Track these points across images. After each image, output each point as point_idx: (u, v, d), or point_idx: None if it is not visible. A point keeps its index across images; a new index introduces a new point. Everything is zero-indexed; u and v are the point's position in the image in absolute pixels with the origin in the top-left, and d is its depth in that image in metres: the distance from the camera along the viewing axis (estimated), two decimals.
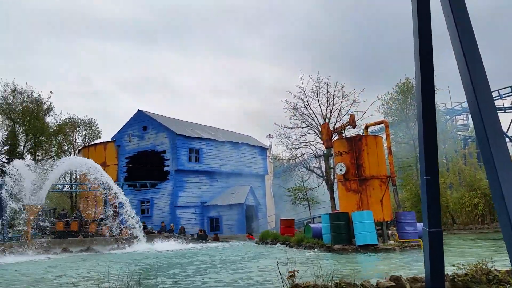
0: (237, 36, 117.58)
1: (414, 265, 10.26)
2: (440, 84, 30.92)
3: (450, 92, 41.05)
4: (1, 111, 42.76)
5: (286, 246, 18.20)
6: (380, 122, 20.98)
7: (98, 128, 53.12)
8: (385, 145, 19.32)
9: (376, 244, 14.58)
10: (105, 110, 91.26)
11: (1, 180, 23.96)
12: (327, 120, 26.11)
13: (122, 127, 36.82)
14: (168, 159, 33.77)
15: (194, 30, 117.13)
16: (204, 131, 38.24)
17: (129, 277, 4.07)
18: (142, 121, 35.99)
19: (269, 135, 53.32)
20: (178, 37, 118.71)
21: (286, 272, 4.88)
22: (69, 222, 26.08)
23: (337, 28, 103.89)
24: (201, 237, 29.60)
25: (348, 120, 19.31)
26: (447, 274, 5.62)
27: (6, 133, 43.20)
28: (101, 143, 39.28)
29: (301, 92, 27.45)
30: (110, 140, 37.58)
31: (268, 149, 45.55)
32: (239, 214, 33.68)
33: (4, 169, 27.27)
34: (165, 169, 33.89)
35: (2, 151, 43.17)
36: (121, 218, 25.79)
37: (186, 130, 35.65)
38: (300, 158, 28.74)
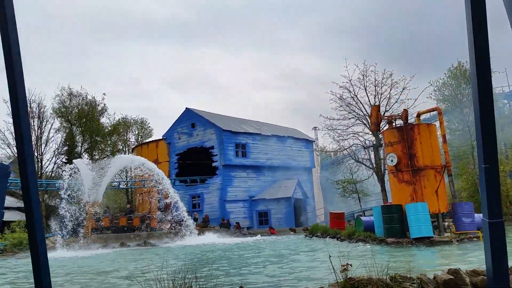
0: (277, 28, 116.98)
1: (473, 258, 9.79)
2: (496, 66, 29.05)
3: (507, 74, 38.38)
4: (60, 114, 45.51)
5: (337, 239, 18.00)
6: (433, 109, 20.11)
7: (149, 127, 55.18)
8: (438, 133, 18.47)
9: (432, 237, 14.06)
10: (154, 109, 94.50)
11: (64, 180, 25.56)
12: None
13: (172, 125, 37.98)
14: (216, 155, 34.44)
15: (233, 25, 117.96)
16: (249, 126, 38.56)
17: (184, 269, 4.23)
18: (190, 118, 36.93)
19: (314, 127, 52.80)
20: (218, 33, 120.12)
21: (338, 266, 4.85)
22: (132, 218, 27.34)
23: (382, 13, 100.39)
24: (224, 226, 30.05)
25: (399, 114, 18.64)
26: (511, 266, 5.33)
27: (64, 135, 45.95)
28: (153, 141, 40.79)
29: (347, 82, 26.86)
30: (161, 138, 38.91)
31: (314, 141, 45.13)
32: (287, 207, 33.74)
33: (64, 168, 29.13)
34: (213, 164, 34.62)
35: (62, 152, 45.97)
36: (174, 213, 26.69)
37: (232, 126, 36.14)
38: (348, 149, 28.18)
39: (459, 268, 5.60)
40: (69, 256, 18.12)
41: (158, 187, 27.26)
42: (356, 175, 31.56)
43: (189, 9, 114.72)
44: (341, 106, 27.15)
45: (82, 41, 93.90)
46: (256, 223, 34.06)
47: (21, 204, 36.79)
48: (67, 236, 23.49)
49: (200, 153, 35.74)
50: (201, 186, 35.00)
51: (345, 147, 28.07)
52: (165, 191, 26.71)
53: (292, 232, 29.18)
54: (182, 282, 3.77)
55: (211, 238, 24.52)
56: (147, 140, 47.54)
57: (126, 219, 26.96)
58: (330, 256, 4.83)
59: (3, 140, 41.56)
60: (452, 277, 5.44)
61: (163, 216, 27.29)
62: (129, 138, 53.73)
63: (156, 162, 32.98)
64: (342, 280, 4.61)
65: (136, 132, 54.50)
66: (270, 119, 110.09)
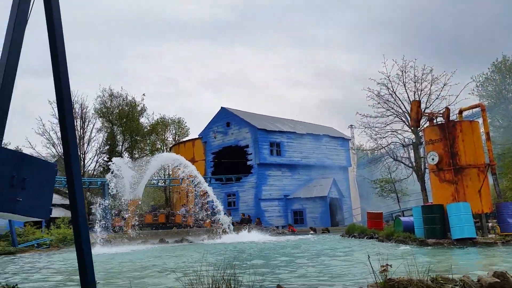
0: (312, 25, 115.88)
1: None
2: None
3: None
4: (101, 114, 47.26)
5: (375, 240, 17.65)
6: (476, 106, 19.26)
7: (186, 126, 56.29)
8: (482, 130, 17.71)
9: (475, 238, 13.50)
10: (191, 109, 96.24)
11: (107, 178, 26.54)
12: None
13: (207, 124, 38.55)
14: (251, 153, 34.63)
15: (268, 23, 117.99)
16: (284, 125, 38.48)
17: (222, 265, 4.30)
18: (225, 117, 37.34)
19: (351, 125, 51.96)
20: (253, 32, 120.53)
21: (377, 267, 4.76)
22: (174, 215, 28.01)
23: (421, 6, 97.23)
24: (244, 221, 30.04)
25: (441, 112, 18.00)
26: None
27: (106, 134, 47.67)
28: (189, 140, 41.60)
29: (385, 78, 26.22)
30: (197, 137, 39.58)
31: (350, 140, 44.43)
32: (323, 206, 33.42)
33: (107, 167, 30.25)
34: (248, 163, 34.83)
35: (103, 151, 47.71)
36: (211, 210, 27.09)
37: (266, 125, 36.20)
38: (386, 148, 27.52)
39: (506, 271, 5.35)
40: (110, 252, 18.79)
41: (195, 185, 27.75)
42: (395, 174, 30.77)
43: (225, 9, 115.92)
44: (378, 103, 26.56)
45: (122, 42, 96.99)
46: (291, 221, 33.97)
47: (65, 201, 38.53)
48: (108, 233, 24.36)
49: (235, 152, 36.07)
50: (236, 185, 35.31)
51: (383, 145, 27.43)
52: (202, 190, 27.15)
53: (312, 231, 29.04)
54: (220, 278, 3.83)
55: (248, 236, 24.69)
56: (184, 139, 48.50)
57: (165, 216, 27.66)
58: (369, 257, 4.76)
59: (48, 140, 43.62)
60: (498, 280, 5.20)
61: (200, 214, 27.76)
62: (167, 137, 55.03)
63: (192, 160, 33.58)
64: (381, 281, 4.52)
65: (174, 131, 55.74)
66: (305, 117, 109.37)
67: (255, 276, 4.17)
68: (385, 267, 4.53)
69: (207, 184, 28.05)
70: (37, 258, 17.93)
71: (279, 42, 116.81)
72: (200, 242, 23.32)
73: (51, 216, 4.84)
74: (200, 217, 27.52)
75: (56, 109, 43.80)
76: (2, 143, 4.50)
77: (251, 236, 24.88)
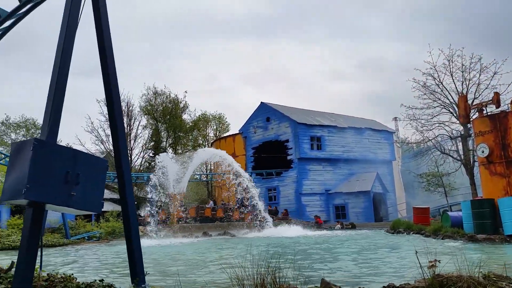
0: (355, 16, 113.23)
1: None
2: None
3: None
4: (146, 112, 48.88)
5: (421, 235, 17.13)
6: None
7: (226, 121, 57.10)
8: None
9: None
10: (231, 104, 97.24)
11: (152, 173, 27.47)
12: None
13: (248, 119, 38.81)
14: (291, 148, 34.53)
15: (310, 16, 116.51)
16: (324, 118, 38.00)
17: (265, 258, 4.35)
18: (265, 112, 37.43)
19: (395, 117, 50.54)
20: (295, 25, 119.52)
21: (424, 262, 4.64)
22: (215, 209, 28.60)
23: None
24: (271, 212, 29.82)
25: (491, 99, 17.11)
26: None
27: (151, 131, 49.27)
28: (230, 135, 42.10)
29: (431, 68, 25.25)
30: (237, 132, 39.99)
31: (394, 133, 43.18)
32: (366, 201, 32.77)
33: (152, 162, 31.27)
34: (288, 157, 34.77)
35: (149, 147, 49.35)
36: (251, 204, 27.34)
37: (307, 119, 35.92)
38: (432, 140, 26.52)
39: None
40: (156, 243, 19.45)
41: (237, 180, 28.09)
42: (442, 168, 29.59)
43: (265, 3, 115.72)
44: (424, 94, 25.65)
45: (165, 41, 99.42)
46: (333, 216, 33.60)
47: (113, 195, 40.24)
48: (155, 225, 25.21)
49: (275, 147, 36.11)
50: (277, 179, 35.36)
51: (430, 138, 26.46)
52: (243, 184, 27.45)
53: (338, 225, 28.73)
54: (265, 270, 3.89)
55: (288, 230, 24.72)
56: (224, 135, 49.18)
57: (210, 210, 28.27)
58: (416, 252, 4.64)
59: (97, 137, 45.72)
60: None
61: (242, 208, 28.10)
62: (208, 133, 56.08)
63: (233, 155, 33.95)
64: (429, 276, 4.40)
65: (215, 127, 56.71)
66: (347, 110, 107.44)
67: (299, 270, 4.19)
68: (433, 263, 4.40)
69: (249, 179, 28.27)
70: (89, 250, 18.89)
71: (320, 34, 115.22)
72: (242, 235, 23.61)
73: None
74: (241, 211, 27.85)
75: (104, 108, 45.81)
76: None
77: (291, 230, 24.89)
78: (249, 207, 27.47)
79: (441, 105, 25.14)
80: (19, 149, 4.23)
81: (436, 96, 25.29)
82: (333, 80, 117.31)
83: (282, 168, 35.41)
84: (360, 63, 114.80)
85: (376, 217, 32.94)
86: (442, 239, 15.05)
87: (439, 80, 25.10)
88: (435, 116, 25.54)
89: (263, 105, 38.01)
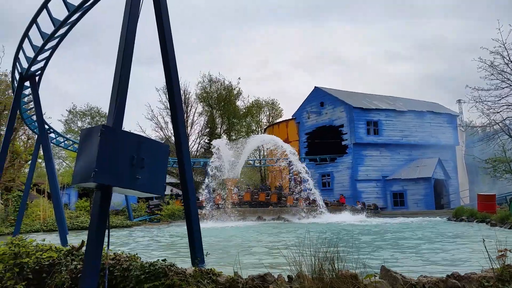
0: None
1: None
2: None
3: None
4: (202, 99, 50.09)
5: (486, 224, 16.18)
6: None
7: (279, 107, 57.06)
8: None
9: None
10: (284, 90, 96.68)
11: (208, 159, 28.22)
12: None
13: (301, 104, 38.43)
14: (346, 133, 33.78)
15: None
16: (382, 102, 36.67)
17: (323, 244, 4.33)
18: (319, 97, 36.83)
19: (459, 100, 47.60)
20: (347, 7, 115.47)
21: (493, 252, 4.37)
22: (269, 194, 28.94)
23: None
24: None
25: None
26: None
27: (206, 118, 50.50)
28: (283, 121, 41.99)
29: (500, 46, 23.31)
30: (291, 118, 39.78)
31: (458, 116, 40.74)
32: (427, 188, 31.40)
33: (208, 148, 32.09)
34: (343, 143, 34.08)
35: (205, 133, 50.67)
36: (305, 190, 27.26)
37: (362, 103, 34.86)
38: (500, 124, 24.69)
39: None
40: (213, 226, 20.06)
41: (291, 165, 28.10)
42: (510, 153, 27.54)
43: None
44: (492, 74, 23.78)
45: (218, 28, 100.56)
46: (390, 204, 32.62)
47: (171, 179, 41.88)
48: (211, 209, 25.98)
49: (329, 132, 35.51)
50: (331, 165, 34.85)
51: (497, 121, 24.66)
52: (297, 170, 27.39)
53: (360, 205, 28.20)
54: (324, 256, 3.87)
55: (343, 216, 24.41)
56: (277, 120, 49.18)
57: (265, 195, 28.61)
58: (484, 240, 4.38)
59: (156, 124, 47.72)
60: None
61: (295, 194, 28.11)
62: (261, 119, 56.40)
63: (286, 141, 33.92)
64: (499, 267, 4.14)
65: (268, 113, 56.88)
66: (405, 93, 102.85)
67: (358, 256, 4.12)
68: (503, 252, 4.14)
69: (303, 164, 28.15)
70: (150, 231, 19.89)
71: (375, 14, 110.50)
72: (296, 221, 23.67)
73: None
74: (295, 197, 27.88)
75: (162, 96, 47.52)
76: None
77: (345, 216, 24.53)
78: (303, 193, 27.40)
79: (510, 85, 23.26)
80: (88, 135, 4.50)
81: (505, 76, 23.41)
82: (388, 62, 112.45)
83: (336, 153, 34.80)
84: (418, 43, 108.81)
85: (437, 204, 31.49)
86: (510, 228, 14.13)
87: (509, 59, 23.18)
88: (503, 97, 23.69)
89: (316, 90, 37.41)
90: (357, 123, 33.16)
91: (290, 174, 30.35)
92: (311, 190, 26.39)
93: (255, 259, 7.74)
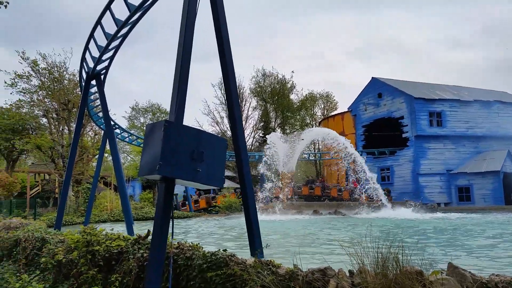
0: None
1: None
2: None
3: None
4: (256, 94, 50.45)
5: None
6: None
7: (334, 100, 56.00)
8: None
9: None
10: (339, 81, 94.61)
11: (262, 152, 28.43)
12: None
13: (357, 96, 37.42)
14: (407, 125, 32.41)
15: None
16: (445, 92, 34.72)
17: (386, 239, 4.20)
18: (376, 88, 35.62)
19: None
20: None
21: None
22: (313, 187, 28.71)
23: None
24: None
25: None
26: None
27: (260, 112, 50.83)
28: (338, 114, 41.17)
29: None
30: (346, 110, 38.90)
31: None
32: (495, 183, 29.37)
33: (262, 142, 32.32)
34: (403, 135, 32.74)
35: (259, 127, 51.05)
36: (362, 184, 26.56)
37: (424, 93, 33.23)
38: None
39: None
40: (270, 219, 20.20)
41: (348, 160, 27.49)
42: None
43: None
44: None
45: (270, 21, 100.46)
46: (455, 199, 30.90)
47: (228, 173, 42.69)
48: (267, 202, 26.20)
49: (388, 124, 34.27)
50: (391, 158, 33.65)
51: None
52: (354, 164, 26.76)
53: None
54: (387, 251, 3.75)
55: (405, 212, 23.47)
56: (332, 113, 48.31)
57: (320, 188, 28.38)
58: None
59: (213, 119, 48.84)
60: None
61: (353, 188, 27.53)
62: (316, 112, 55.74)
63: (342, 134, 33.21)
64: None
65: (322, 106, 56.06)
66: (470, 82, 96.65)
67: (422, 252, 3.95)
68: None
69: (361, 158, 27.43)
70: (209, 222, 20.47)
71: None
72: (353, 215, 23.18)
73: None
74: (352, 191, 27.30)
75: (218, 92, 48.52)
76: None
77: (407, 212, 23.57)
78: (361, 187, 26.74)
79: None
80: (152, 130, 4.71)
81: None
82: (451, 49, 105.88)
83: (396, 146, 33.53)
84: (485, 28, 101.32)
85: (507, 199, 29.36)
86: None
87: None
88: None
89: (374, 81, 36.20)
90: (418, 114, 31.68)
91: (347, 168, 29.73)
92: (370, 184, 25.66)
93: (314, 253, 7.69)
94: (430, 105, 32.05)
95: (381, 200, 24.86)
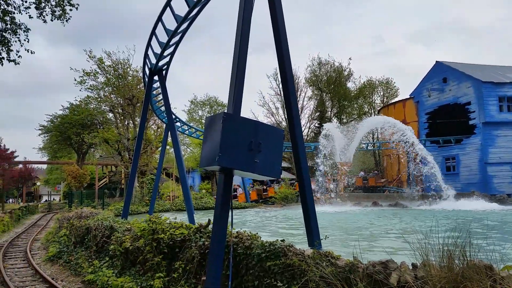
0: None
1: None
2: None
3: None
4: (311, 83, 49.77)
5: None
6: None
7: (395, 86, 53.72)
8: None
9: None
10: (399, 67, 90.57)
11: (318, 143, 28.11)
12: None
13: (420, 82, 35.58)
14: (474, 111, 30.36)
15: None
16: None
17: (454, 233, 4.01)
18: (441, 72, 33.63)
19: None
20: None
21: None
22: (367, 179, 27.92)
23: None
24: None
25: None
26: None
27: (316, 102, 50.12)
28: (399, 101, 39.43)
29: None
30: (408, 97, 37.19)
31: None
32: None
33: (318, 132, 31.92)
34: (470, 122, 30.72)
35: (315, 117, 50.41)
36: (425, 175, 25.41)
37: (493, 76, 30.86)
38: None
39: None
40: (328, 210, 20.01)
41: (409, 149, 26.42)
42: None
43: None
44: None
45: (325, 7, 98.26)
46: None
47: (284, 164, 42.71)
48: (324, 193, 25.95)
49: (453, 111, 32.28)
50: (456, 147, 31.75)
51: None
52: (416, 153, 25.64)
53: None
54: (453, 244, 3.59)
55: (469, 204, 22.15)
56: (393, 101, 46.40)
57: (375, 179, 27.60)
58: None
59: (268, 110, 48.99)
60: None
61: (414, 179, 26.43)
62: (375, 100, 53.85)
63: (403, 122, 31.84)
64: None
65: (381, 93, 54.02)
66: None
67: (493, 246, 3.73)
68: None
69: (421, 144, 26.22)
70: (266, 212, 20.70)
71: None
72: (416, 207, 22.29)
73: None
74: (410, 182, 26.22)
75: (273, 82, 48.53)
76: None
77: (474, 203, 22.20)
78: (423, 178, 25.61)
79: None
80: (212, 122, 4.85)
81: None
82: None
83: (462, 134, 31.56)
84: None
85: None
86: None
87: None
88: None
89: (438, 65, 34.20)
90: (487, 99, 29.54)
91: (408, 157, 28.56)
92: (433, 175, 24.49)
93: (377, 245, 7.53)
94: (500, 89, 29.73)
95: (445, 191, 23.66)
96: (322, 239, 5.89)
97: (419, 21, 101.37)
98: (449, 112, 32.61)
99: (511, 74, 31.91)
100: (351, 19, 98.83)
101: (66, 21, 10.85)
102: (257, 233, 5.81)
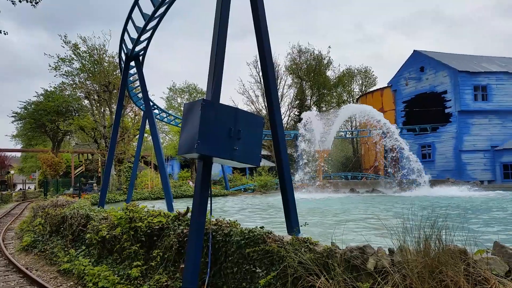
0: None
1: None
2: None
3: None
4: (291, 71, 49.74)
5: None
6: None
7: (373, 75, 54.31)
8: None
9: None
10: (378, 55, 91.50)
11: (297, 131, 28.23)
12: None
13: (398, 71, 36.08)
14: (450, 100, 31.04)
15: None
16: (492, 64, 32.82)
17: (428, 218, 4.08)
18: (418, 61, 34.15)
19: None
20: None
21: None
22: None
23: None
24: None
25: None
26: None
27: (296, 90, 50.19)
28: (377, 89, 39.94)
29: None
30: (386, 85, 37.68)
31: None
32: None
33: (298, 120, 32.02)
34: (446, 111, 31.42)
35: (294, 105, 50.55)
36: (401, 163, 25.91)
37: (469, 65, 31.55)
38: None
39: None
40: (306, 197, 20.20)
41: (385, 136, 26.84)
42: None
43: None
44: None
45: None
46: (500, 176, 29.56)
47: (263, 152, 42.79)
48: (302, 180, 26.14)
49: (430, 99, 32.94)
50: (432, 135, 32.48)
51: None
52: (392, 141, 26.08)
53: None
54: (429, 229, 3.65)
55: (443, 190, 22.78)
56: (371, 89, 46.94)
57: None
58: None
59: (248, 98, 48.83)
60: None
61: (391, 166, 26.94)
62: (353, 89, 54.34)
63: (381, 111, 32.30)
64: None
65: (360, 82, 54.55)
66: None
67: (467, 232, 3.82)
68: None
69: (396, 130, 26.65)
70: (246, 200, 20.74)
71: None
72: (391, 194, 22.77)
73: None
74: (387, 170, 26.72)
75: (253, 70, 48.25)
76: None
77: (448, 190, 22.85)
78: (399, 165, 26.12)
79: None
80: (190, 109, 4.76)
81: None
82: (504, 16, 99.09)
83: (438, 122, 32.29)
84: None
85: None
86: None
87: None
88: None
89: (416, 54, 34.69)
90: (462, 88, 30.22)
91: (385, 145, 29.03)
92: (409, 162, 25.00)
93: (352, 231, 7.64)
94: (475, 78, 30.45)
95: (421, 177, 24.21)
96: (301, 226, 5.92)
97: (400, 10, 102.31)
98: (426, 100, 33.26)
99: (486, 64, 32.67)
100: (331, 6, 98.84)
101: (36, 3, 10.43)
102: (236, 221, 5.79)
